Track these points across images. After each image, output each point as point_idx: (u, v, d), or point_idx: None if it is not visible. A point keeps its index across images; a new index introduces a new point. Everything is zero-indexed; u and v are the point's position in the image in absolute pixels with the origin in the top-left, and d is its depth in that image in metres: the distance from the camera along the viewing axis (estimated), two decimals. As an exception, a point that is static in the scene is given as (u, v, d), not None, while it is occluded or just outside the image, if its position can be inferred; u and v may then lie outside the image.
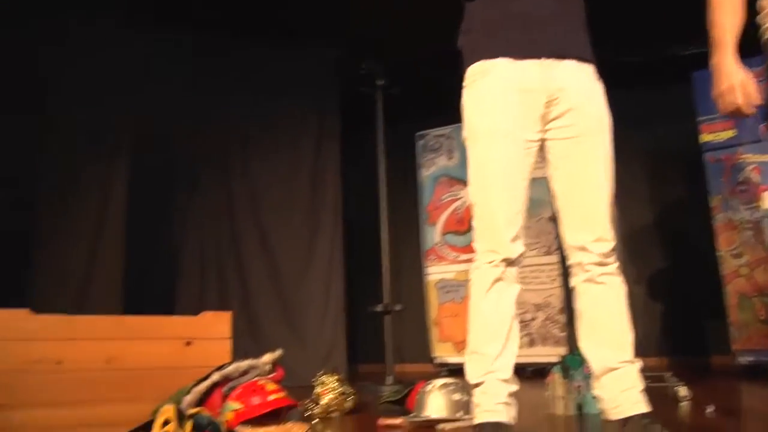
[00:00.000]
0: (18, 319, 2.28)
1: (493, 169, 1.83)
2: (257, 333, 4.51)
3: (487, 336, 1.80)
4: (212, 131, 4.83)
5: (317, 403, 2.89)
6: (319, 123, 4.94)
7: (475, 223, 1.88)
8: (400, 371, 4.19)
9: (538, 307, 4.71)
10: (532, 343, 4.68)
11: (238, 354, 2.51)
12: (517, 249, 1.82)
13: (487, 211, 1.84)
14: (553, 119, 1.86)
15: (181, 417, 1.73)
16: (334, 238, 4.80)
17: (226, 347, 2.42)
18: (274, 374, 2.28)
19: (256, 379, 2.14)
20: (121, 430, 1.93)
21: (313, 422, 2.69)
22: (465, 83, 1.92)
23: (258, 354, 2.35)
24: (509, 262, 1.82)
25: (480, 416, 1.76)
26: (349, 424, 2.74)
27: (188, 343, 2.40)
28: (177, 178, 4.75)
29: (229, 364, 2.22)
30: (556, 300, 4.66)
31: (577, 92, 1.84)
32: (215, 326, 2.45)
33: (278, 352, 2.32)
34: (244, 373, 2.21)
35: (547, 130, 1.87)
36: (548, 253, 4.74)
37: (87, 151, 3.85)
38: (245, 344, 3.25)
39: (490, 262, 1.82)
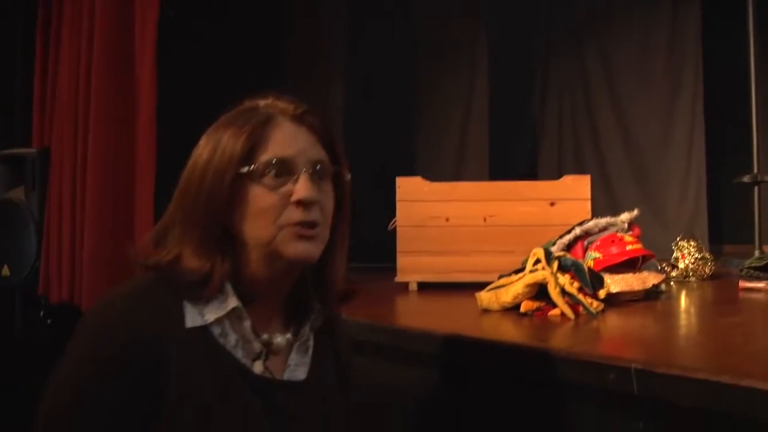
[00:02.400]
0: (417, 184, 2.86)
1: None
2: (615, 207, 4.65)
3: None
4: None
5: (675, 267, 3.00)
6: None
7: None
8: (773, 253, 3.95)
9: None
10: None
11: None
12: None
13: None
14: None
15: (549, 258, 2.06)
16: (694, 108, 4.58)
17: (585, 207, 2.67)
18: (631, 232, 2.47)
19: (614, 232, 2.37)
20: (496, 275, 2.33)
21: (671, 284, 2.83)
22: None
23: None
24: None
25: None
26: (707, 288, 2.81)
27: (552, 204, 2.72)
28: (533, 51, 5.08)
29: (589, 220, 2.48)
30: None
31: None
32: (576, 188, 2.72)
33: (635, 212, 2.48)
34: (603, 229, 2.44)
35: None
36: None
37: (452, 35, 4.41)
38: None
39: None
